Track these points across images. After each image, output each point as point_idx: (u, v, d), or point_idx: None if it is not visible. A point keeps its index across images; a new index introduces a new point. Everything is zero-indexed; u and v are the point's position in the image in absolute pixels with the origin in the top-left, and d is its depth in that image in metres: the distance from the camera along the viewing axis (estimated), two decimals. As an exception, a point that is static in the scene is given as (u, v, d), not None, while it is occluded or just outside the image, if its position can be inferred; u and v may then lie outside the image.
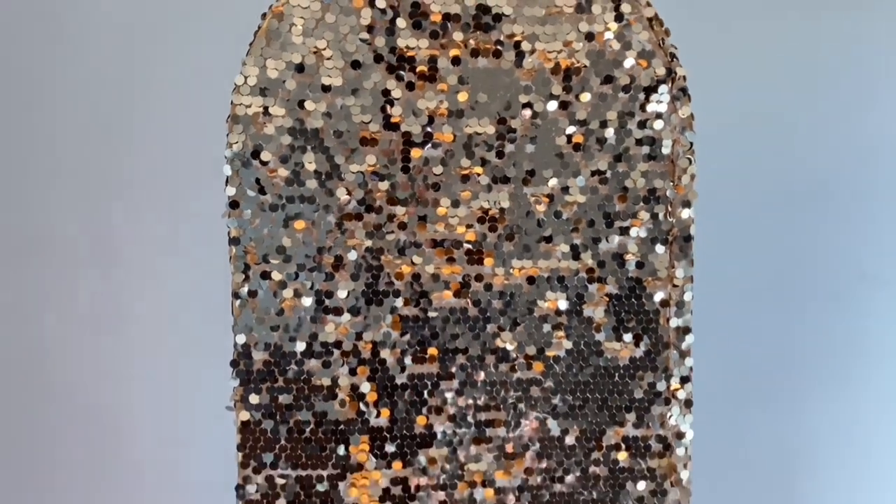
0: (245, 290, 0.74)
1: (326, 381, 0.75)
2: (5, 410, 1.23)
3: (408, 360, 0.76)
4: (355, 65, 0.73)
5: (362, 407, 0.76)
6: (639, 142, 0.75)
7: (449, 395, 0.76)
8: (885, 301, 1.29)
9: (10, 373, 1.23)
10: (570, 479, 0.78)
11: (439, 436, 0.77)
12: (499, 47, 0.74)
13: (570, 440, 0.77)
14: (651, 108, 0.75)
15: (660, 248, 0.76)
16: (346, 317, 0.75)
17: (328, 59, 0.72)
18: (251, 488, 0.75)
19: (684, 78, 0.74)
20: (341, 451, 0.76)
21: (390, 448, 0.76)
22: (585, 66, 0.74)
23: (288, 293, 0.74)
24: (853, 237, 1.28)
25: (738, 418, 1.29)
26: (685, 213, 0.76)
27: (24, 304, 1.22)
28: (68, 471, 1.25)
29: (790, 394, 1.30)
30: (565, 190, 0.75)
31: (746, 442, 1.30)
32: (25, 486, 1.25)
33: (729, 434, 1.28)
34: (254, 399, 0.75)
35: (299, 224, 0.74)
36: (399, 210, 0.75)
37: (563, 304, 0.76)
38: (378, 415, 0.76)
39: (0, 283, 1.21)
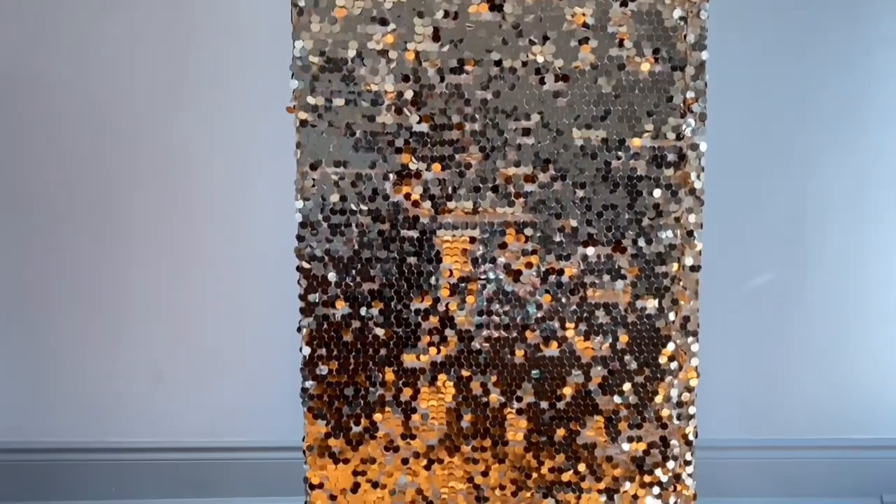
0: (302, -2, 0.82)
1: (374, 87, 0.84)
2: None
3: (446, 71, 0.84)
4: None
5: (406, 111, 0.85)
6: None
7: (483, 103, 0.85)
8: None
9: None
10: (593, 181, 0.86)
11: (475, 140, 0.85)
12: None
13: (591, 149, 0.86)
14: None
15: (680, -34, 0.82)
16: (392, 26, 0.83)
17: None
18: (308, 183, 0.85)
19: None
20: (388, 152, 0.85)
21: (431, 152, 0.85)
22: None
23: (340, 2, 0.82)
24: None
25: (756, 170, 1.38)
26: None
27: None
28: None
29: (803, 154, 1.38)
30: None
31: (761, 192, 1.40)
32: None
33: (745, 187, 1.37)
34: (311, 100, 0.84)
35: (350, -64, 0.81)
36: (440, -74, 0.82)
37: (590, 20, 0.84)
38: (420, 120, 0.85)
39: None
